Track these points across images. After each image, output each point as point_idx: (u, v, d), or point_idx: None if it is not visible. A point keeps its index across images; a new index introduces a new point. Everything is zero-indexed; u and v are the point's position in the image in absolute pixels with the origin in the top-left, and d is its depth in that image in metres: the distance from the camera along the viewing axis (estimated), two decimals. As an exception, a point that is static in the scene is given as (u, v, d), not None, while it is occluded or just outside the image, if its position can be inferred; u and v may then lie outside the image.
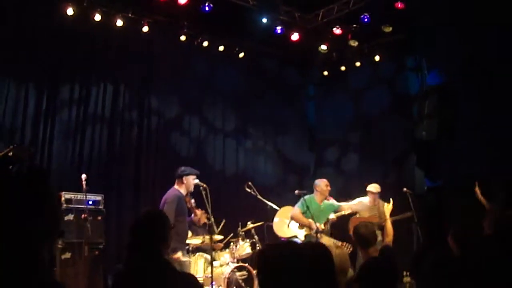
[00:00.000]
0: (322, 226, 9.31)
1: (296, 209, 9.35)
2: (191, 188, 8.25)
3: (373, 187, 10.49)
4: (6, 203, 2.18)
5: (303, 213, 9.26)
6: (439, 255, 4.91)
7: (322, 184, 9.59)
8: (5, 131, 9.70)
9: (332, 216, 9.90)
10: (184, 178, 8.20)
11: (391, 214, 8.68)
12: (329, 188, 9.65)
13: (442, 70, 11.32)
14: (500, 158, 9.76)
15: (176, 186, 8.21)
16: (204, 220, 9.09)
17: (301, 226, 9.37)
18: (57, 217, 2.39)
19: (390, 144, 12.50)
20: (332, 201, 10.05)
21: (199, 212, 8.85)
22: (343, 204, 10.08)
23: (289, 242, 2.81)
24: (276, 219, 9.68)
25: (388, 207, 8.91)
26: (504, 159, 9.70)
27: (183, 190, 8.18)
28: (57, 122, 10.35)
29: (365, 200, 10.53)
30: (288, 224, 9.46)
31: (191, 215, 8.94)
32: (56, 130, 10.30)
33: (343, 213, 10.17)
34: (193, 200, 8.67)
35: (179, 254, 7.69)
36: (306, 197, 9.32)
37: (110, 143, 10.98)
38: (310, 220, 9.17)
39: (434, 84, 11.38)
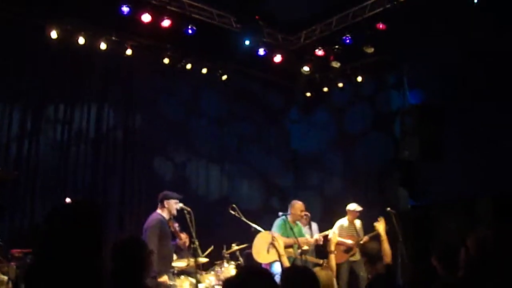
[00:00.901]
0: (306, 247, 9.27)
1: (276, 234, 9.20)
2: (174, 212, 8.11)
3: (352, 206, 10.66)
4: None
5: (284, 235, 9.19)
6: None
7: (297, 206, 9.56)
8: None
9: (316, 236, 9.94)
10: (165, 202, 8.08)
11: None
12: (303, 213, 9.61)
13: (424, 89, 11.42)
14: (484, 177, 9.84)
15: (158, 211, 8.09)
16: (186, 238, 9.03)
17: (286, 247, 9.25)
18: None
19: (373, 162, 12.57)
20: (306, 229, 10.14)
21: (183, 235, 8.81)
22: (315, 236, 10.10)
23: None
24: (255, 246, 9.54)
25: (380, 225, 9.01)
26: (489, 178, 9.79)
27: (165, 214, 8.06)
28: (41, 145, 10.34)
29: (343, 221, 10.65)
30: (267, 249, 9.31)
31: (175, 239, 8.89)
32: (40, 152, 10.29)
33: (326, 233, 10.23)
34: (176, 224, 8.61)
35: (165, 278, 7.61)
36: (281, 219, 9.33)
37: (94, 165, 10.98)
38: (294, 238, 9.13)
39: (416, 103, 11.47)
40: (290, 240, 9.08)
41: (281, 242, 7.86)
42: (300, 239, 9.07)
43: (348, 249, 10.55)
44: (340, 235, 10.37)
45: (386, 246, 7.15)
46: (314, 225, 11.23)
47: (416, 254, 10.34)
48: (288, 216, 9.36)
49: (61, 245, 2.18)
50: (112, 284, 3.68)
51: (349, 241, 10.50)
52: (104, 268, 2.29)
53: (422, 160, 11.08)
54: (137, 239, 4.05)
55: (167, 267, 7.85)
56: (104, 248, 2.36)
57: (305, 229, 10.38)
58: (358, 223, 10.74)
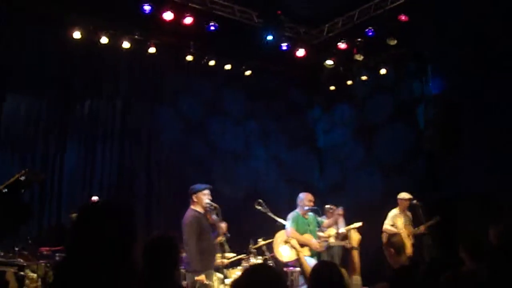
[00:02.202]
0: (317, 246, 9.26)
1: (291, 229, 9.20)
2: (205, 204, 7.96)
3: (401, 195, 10.62)
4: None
5: (298, 231, 9.17)
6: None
7: (304, 197, 9.52)
8: (18, 152, 9.87)
9: (342, 230, 9.94)
10: (194, 196, 7.99)
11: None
12: (311, 203, 9.55)
13: (447, 80, 11.34)
14: (508, 170, 9.75)
15: (192, 206, 7.98)
16: (225, 228, 8.76)
17: (301, 245, 9.20)
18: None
19: (397, 153, 12.52)
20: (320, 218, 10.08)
21: (223, 225, 8.59)
22: (326, 221, 10.06)
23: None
24: (275, 245, 9.49)
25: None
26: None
27: (198, 208, 7.95)
28: (68, 146, 10.46)
29: (395, 211, 10.63)
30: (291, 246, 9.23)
31: (214, 232, 8.68)
32: (66, 154, 10.40)
33: (352, 226, 10.23)
34: (214, 216, 8.39)
35: (202, 277, 7.47)
36: (293, 213, 9.32)
37: (120, 163, 11.11)
38: (307, 237, 9.12)
39: (438, 93, 11.40)
40: (303, 239, 9.05)
41: (295, 241, 7.90)
42: (312, 243, 9.08)
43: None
44: (393, 227, 10.36)
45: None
46: (341, 219, 11.17)
47: (441, 246, 10.33)
48: (299, 211, 9.36)
49: (91, 243, 2.20)
50: (143, 283, 3.73)
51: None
52: (135, 266, 2.30)
53: (445, 152, 11.03)
54: (168, 237, 4.07)
55: (208, 263, 7.71)
56: (134, 246, 2.38)
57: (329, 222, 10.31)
58: (409, 214, 10.61)
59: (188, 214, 7.93)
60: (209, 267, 7.73)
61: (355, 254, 6.85)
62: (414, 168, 12.00)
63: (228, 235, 8.76)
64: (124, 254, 2.23)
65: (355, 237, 7.18)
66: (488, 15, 9.90)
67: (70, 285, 2.16)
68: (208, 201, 7.96)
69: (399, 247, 5.78)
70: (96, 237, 2.21)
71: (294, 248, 7.28)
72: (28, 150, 10.03)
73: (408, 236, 10.21)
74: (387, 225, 10.47)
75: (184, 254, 7.82)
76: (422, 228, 10.24)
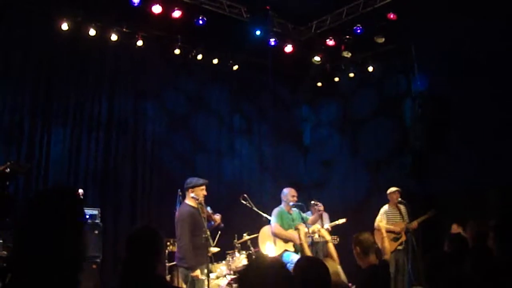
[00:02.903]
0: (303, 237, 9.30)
1: (275, 225, 9.22)
2: (201, 199, 7.96)
3: (390, 189, 10.62)
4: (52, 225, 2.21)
5: (283, 226, 9.20)
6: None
7: (287, 192, 9.54)
8: (3, 142, 9.80)
9: (327, 226, 9.99)
10: (190, 190, 7.97)
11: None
12: (295, 198, 9.56)
13: (433, 77, 11.41)
14: (493, 168, 9.84)
15: (186, 201, 7.99)
16: (219, 219, 8.71)
17: (286, 241, 9.25)
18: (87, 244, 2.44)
19: (383, 150, 12.59)
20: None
21: (217, 217, 8.58)
22: (310, 217, 10.09)
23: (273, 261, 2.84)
24: (261, 239, 9.51)
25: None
26: (498, 169, 9.78)
27: (193, 203, 7.91)
28: (52, 136, 10.40)
29: (385, 207, 10.66)
30: (274, 242, 9.24)
31: (211, 222, 8.64)
32: (52, 144, 10.34)
33: (337, 222, 10.32)
34: (208, 208, 8.39)
35: (197, 272, 7.54)
36: (277, 209, 9.35)
37: (105, 156, 11.04)
38: (291, 232, 9.15)
39: (424, 91, 11.47)
40: (287, 235, 9.08)
41: (303, 232, 7.96)
42: (296, 238, 9.10)
43: (396, 237, 10.37)
44: (385, 222, 10.40)
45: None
46: (325, 215, 11.21)
47: (425, 243, 10.40)
48: (283, 205, 9.39)
49: (32, 236, 2.19)
50: (124, 273, 3.74)
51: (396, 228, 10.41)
52: (79, 258, 2.29)
53: (430, 149, 11.11)
54: (151, 229, 4.08)
55: (201, 258, 7.65)
56: (83, 236, 2.36)
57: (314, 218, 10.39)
58: (402, 207, 10.57)
59: (183, 209, 7.92)
60: (201, 262, 7.70)
61: (331, 247, 6.92)
62: (400, 164, 12.05)
63: (222, 225, 8.76)
64: (67, 240, 2.21)
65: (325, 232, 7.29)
66: (476, 13, 9.95)
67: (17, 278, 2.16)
68: (204, 192, 7.99)
69: (367, 247, 5.70)
70: (33, 230, 2.20)
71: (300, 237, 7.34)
72: (13, 140, 9.95)
73: (401, 231, 10.27)
74: (377, 222, 10.49)
75: (175, 249, 7.86)
76: (415, 223, 10.28)
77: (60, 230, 2.19)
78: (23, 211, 2.28)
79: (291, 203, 9.26)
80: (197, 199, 7.91)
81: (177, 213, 8.02)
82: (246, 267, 2.92)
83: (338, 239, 9.94)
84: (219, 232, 9.28)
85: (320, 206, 9.83)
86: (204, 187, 8.07)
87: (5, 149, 9.78)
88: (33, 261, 2.12)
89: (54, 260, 2.13)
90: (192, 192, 7.94)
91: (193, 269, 7.54)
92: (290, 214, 9.39)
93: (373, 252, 5.72)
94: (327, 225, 10.18)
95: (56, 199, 2.29)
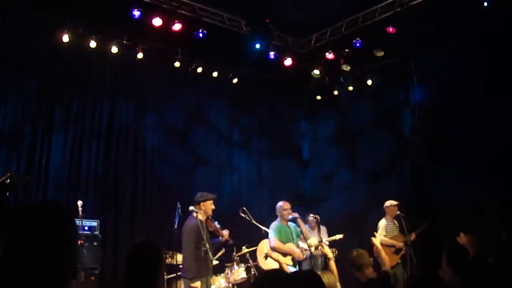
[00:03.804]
0: (301, 256, 9.33)
1: (274, 239, 9.20)
2: (210, 213, 8.24)
3: (387, 203, 10.69)
4: (42, 237, 2.22)
5: (281, 240, 9.20)
6: None
7: (281, 206, 9.54)
8: (4, 148, 9.81)
9: (324, 240, 10.00)
10: (202, 204, 8.18)
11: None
12: (290, 211, 9.57)
13: (432, 91, 11.46)
14: (491, 179, 9.86)
15: (194, 214, 8.12)
16: (227, 235, 8.80)
17: (284, 255, 9.24)
18: (76, 256, 2.42)
19: (383, 163, 12.59)
20: (315, 233, 10.13)
21: (225, 232, 8.69)
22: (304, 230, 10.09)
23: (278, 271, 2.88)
24: (259, 253, 9.50)
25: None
26: (496, 180, 9.80)
27: (201, 216, 8.11)
28: (53, 149, 10.40)
29: (383, 221, 10.70)
30: (265, 257, 9.24)
31: (217, 237, 8.74)
32: (52, 156, 10.35)
33: (334, 238, 10.34)
34: (216, 222, 8.52)
35: (197, 284, 7.67)
36: (275, 223, 9.35)
37: (106, 166, 11.06)
38: (290, 246, 9.16)
39: (423, 104, 11.52)
40: (286, 248, 9.10)
41: (275, 254, 8.05)
42: (295, 252, 9.13)
43: (398, 250, 10.44)
44: (386, 236, 10.41)
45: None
46: (323, 228, 11.20)
47: (424, 256, 10.39)
48: (280, 219, 9.40)
49: (21, 245, 2.21)
50: (124, 286, 3.76)
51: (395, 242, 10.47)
52: (67, 270, 2.30)
53: (429, 161, 11.13)
54: (152, 244, 4.12)
55: (204, 270, 7.85)
56: (73, 250, 2.37)
57: (313, 232, 10.42)
58: (398, 220, 10.56)
59: (189, 222, 8.10)
60: (204, 274, 7.87)
61: (332, 264, 6.99)
62: (399, 176, 12.06)
63: (231, 241, 8.87)
64: (52, 257, 2.21)
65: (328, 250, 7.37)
66: (474, 24, 10.02)
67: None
68: (192, 208, 8.12)
69: (359, 264, 5.80)
70: (17, 242, 2.21)
71: (277, 260, 7.36)
72: (14, 147, 9.96)
73: (401, 244, 10.28)
74: (380, 236, 10.48)
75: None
76: (413, 236, 10.30)
77: (48, 244, 2.19)
78: (13, 223, 2.28)
79: (289, 217, 9.27)
80: (205, 213, 8.16)
81: (185, 224, 8.17)
82: (260, 279, 2.94)
83: (337, 252, 9.95)
84: (224, 248, 9.35)
85: (313, 219, 9.82)
86: (213, 201, 8.29)
87: (5, 155, 9.78)
88: (20, 274, 2.13)
89: (42, 274, 2.14)
90: (203, 205, 8.15)
91: (194, 280, 7.68)
92: (288, 227, 9.40)
93: (368, 266, 5.80)
94: (325, 239, 10.18)
95: (47, 212, 2.30)
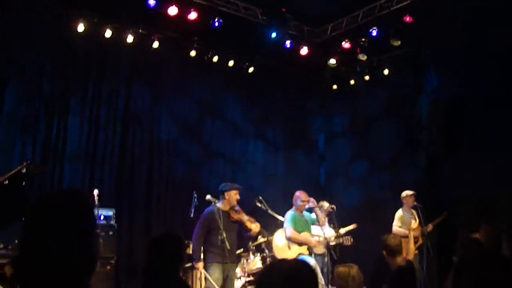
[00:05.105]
0: (317, 245, 9.36)
1: (290, 229, 9.19)
2: (234, 203, 8.40)
3: (404, 193, 10.69)
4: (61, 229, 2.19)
5: (296, 229, 9.20)
6: None
7: (301, 196, 9.51)
8: (17, 146, 9.81)
9: (343, 231, 9.99)
10: (226, 194, 8.37)
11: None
12: (305, 203, 9.53)
13: (449, 82, 11.37)
14: (506, 173, 9.78)
15: (217, 203, 8.30)
16: (257, 229, 8.78)
17: (300, 244, 9.22)
18: (96, 249, 2.38)
19: (399, 154, 12.52)
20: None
21: (253, 226, 8.67)
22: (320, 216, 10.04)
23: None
24: (275, 245, 9.47)
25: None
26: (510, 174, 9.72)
27: (223, 206, 8.29)
28: (68, 137, 10.41)
29: (400, 212, 10.66)
30: (288, 246, 9.23)
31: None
32: (67, 145, 10.35)
33: (349, 228, 10.32)
34: (240, 215, 8.54)
35: (199, 264, 8.01)
36: (290, 212, 9.33)
37: (121, 157, 11.05)
38: (305, 236, 9.16)
39: (439, 93, 11.45)
40: (302, 238, 9.10)
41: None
42: (311, 241, 9.15)
43: (414, 241, 10.35)
44: (401, 227, 10.38)
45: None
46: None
47: (439, 247, 10.36)
48: (295, 210, 9.38)
49: (40, 237, 2.16)
50: (146, 278, 3.75)
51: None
52: (89, 263, 2.25)
53: (444, 153, 11.07)
54: (172, 234, 4.13)
55: (219, 257, 8.01)
56: (93, 241, 2.32)
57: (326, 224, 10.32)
58: (415, 211, 10.54)
59: (207, 209, 8.34)
60: (219, 260, 8.02)
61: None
62: (414, 167, 11.97)
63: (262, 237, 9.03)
64: (69, 249, 2.17)
65: None
66: (490, 15, 9.90)
67: (26, 280, 2.13)
68: (208, 197, 8.25)
69: (392, 250, 5.86)
70: (41, 230, 2.17)
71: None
72: (30, 131, 9.98)
73: (418, 235, 10.22)
74: (395, 227, 10.48)
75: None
76: (430, 226, 10.28)
77: (67, 235, 2.15)
78: (31, 214, 2.25)
79: (307, 206, 9.27)
80: (228, 202, 8.38)
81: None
82: (267, 268, 2.88)
83: (351, 239, 9.96)
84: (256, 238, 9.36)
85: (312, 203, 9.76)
86: (237, 191, 8.48)
87: (21, 142, 9.82)
88: (39, 266, 2.10)
89: (62, 265, 2.10)
90: (227, 195, 8.35)
91: (198, 261, 7.97)
92: (302, 217, 9.39)
93: (400, 253, 5.87)
94: (343, 230, 10.17)
95: (65, 203, 2.25)
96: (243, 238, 8.90)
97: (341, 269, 4.80)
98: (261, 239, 9.68)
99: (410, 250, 6.98)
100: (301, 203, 9.36)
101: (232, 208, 8.40)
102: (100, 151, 10.79)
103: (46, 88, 10.31)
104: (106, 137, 10.90)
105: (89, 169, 10.60)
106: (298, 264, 2.75)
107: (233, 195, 8.38)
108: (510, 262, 4.74)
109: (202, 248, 8.07)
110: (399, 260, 5.87)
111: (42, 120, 10.15)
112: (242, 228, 8.53)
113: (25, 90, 10.06)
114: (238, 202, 8.50)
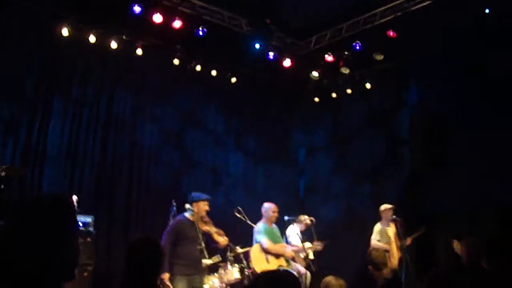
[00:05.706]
0: (293, 255, 9.39)
1: (266, 241, 9.21)
2: (203, 213, 8.31)
3: (382, 207, 10.74)
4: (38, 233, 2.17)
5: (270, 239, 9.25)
6: None
7: (270, 208, 9.56)
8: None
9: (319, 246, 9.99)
10: (194, 204, 8.26)
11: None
12: (276, 214, 9.59)
13: (431, 97, 11.46)
14: (489, 187, 9.85)
15: (185, 213, 8.24)
16: (225, 242, 8.82)
17: (277, 256, 9.24)
18: (77, 257, 2.36)
19: (379, 168, 12.56)
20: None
21: (221, 239, 8.67)
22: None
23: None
24: (253, 258, 9.48)
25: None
26: (494, 188, 9.79)
27: (190, 216, 8.17)
28: (48, 143, 10.31)
29: (378, 226, 10.69)
30: (267, 259, 9.25)
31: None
32: (47, 150, 10.26)
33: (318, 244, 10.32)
34: (209, 226, 8.53)
35: (165, 276, 7.73)
36: (261, 224, 9.37)
37: (101, 163, 10.97)
38: (281, 246, 9.18)
39: (421, 106, 11.53)
40: (278, 248, 9.12)
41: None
42: (286, 252, 9.17)
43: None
44: (380, 241, 10.39)
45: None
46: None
47: (419, 262, 10.38)
48: (265, 221, 9.40)
49: (19, 241, 2.15)
50: (124, 284, 3.72)
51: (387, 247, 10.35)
52: (68, 268, 2.24)
53: (426, 166, 11.13)
54: (152, 240, 4.08)
55: (183, 268, 7.95)
56: (73, 247, 2.30)
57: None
58: (394, 224, 10.54)
59: (175, 219, 8.30)
60: (181, 272, 7.94)
61: None
62: (396, 181, 12.01)
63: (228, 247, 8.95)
64: (55, 250, 2.15)
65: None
66: (472, 30, 10.02)
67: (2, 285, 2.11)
68: (207, 207, 8.31)
69: (377, 264, 5.86)
70: (15, 237, 2.15)
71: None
72: (10, 135, 9.86)
73: (397, 248, 10.26)
74: (374, 240, 10.50)
75: None
76: (408, 241, 10.30)
77: (47, 240, 2.14)
78: (11, 218, 2.23)
79: (286, 218, 9.30)
80: (197, 213, 8.23)
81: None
82: (253, 280, 2.91)
83: (322, 244, 9.90)
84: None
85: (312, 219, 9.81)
86: (207, 202, 8.37)
87: (2, 141, 9.72)
88: (18, 271, 2.08)
89: (40, 271, 2.09)
90: (196, 205, 8.23)
91: (163, 272, 7.66)
92: (273, 228, 9.44)
93: (385, 266, 5.89)
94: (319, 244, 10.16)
95: (47, 207, 2.24)
96: (211, 248, 8.83)
97: (333, 281, 4.82)
98: (239, 250, 9.65)
99: (392, 265, 7.03)
100: (272, 214, 9.42)
101: (201, 219, 8.35)
102: (80, 157, 10.69)
103: (29, 90, 10.20)
104: (86, 142, 10.81)
105: (69, 175, 10.50)
106: (283, 272, 2.77)
107: (202, 206, 8.30)
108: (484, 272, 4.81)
109: (169, 259, 7.86)
110: (385, 272, 5.89)
111: (24, 121, 10.05)
112: (209, 239, 8.50)
113: (7, 92, 9.95)
114: (208, 213, 8.46)
